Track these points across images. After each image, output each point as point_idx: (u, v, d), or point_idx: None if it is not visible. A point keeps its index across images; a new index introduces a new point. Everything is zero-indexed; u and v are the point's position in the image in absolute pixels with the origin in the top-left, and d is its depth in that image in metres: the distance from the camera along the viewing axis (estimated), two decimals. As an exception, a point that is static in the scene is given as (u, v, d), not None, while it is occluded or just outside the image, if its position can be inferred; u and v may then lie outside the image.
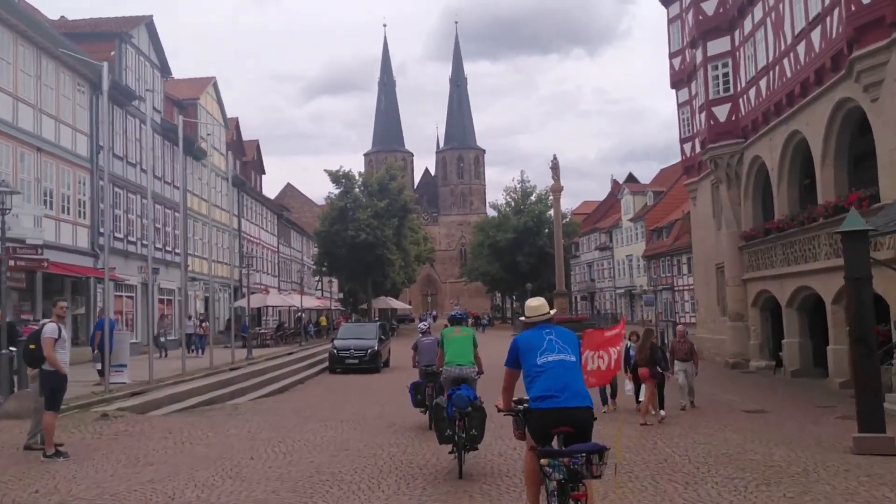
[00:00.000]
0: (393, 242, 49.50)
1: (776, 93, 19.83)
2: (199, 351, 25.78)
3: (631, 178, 72.84)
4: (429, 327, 14.02)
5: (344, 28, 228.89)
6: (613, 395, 13.70)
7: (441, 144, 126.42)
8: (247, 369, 20.98)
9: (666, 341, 14.06)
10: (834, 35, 16.18)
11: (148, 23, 28.96)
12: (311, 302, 49.67)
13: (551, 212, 55.16)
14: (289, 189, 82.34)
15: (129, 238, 27.17)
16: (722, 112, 23.34)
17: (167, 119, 30.05)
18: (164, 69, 31.04)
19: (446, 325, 10.20)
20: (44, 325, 8.88)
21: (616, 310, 67.73)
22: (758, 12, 21.02)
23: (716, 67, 23.42)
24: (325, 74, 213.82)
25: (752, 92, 21.81)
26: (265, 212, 50.20)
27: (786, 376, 19.90)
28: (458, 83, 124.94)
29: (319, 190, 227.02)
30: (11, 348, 12.44)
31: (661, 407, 12.97)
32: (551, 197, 52.59)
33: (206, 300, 28.52)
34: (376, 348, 24.70)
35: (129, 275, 26.03)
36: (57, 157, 22.00)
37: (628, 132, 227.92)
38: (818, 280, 17.90)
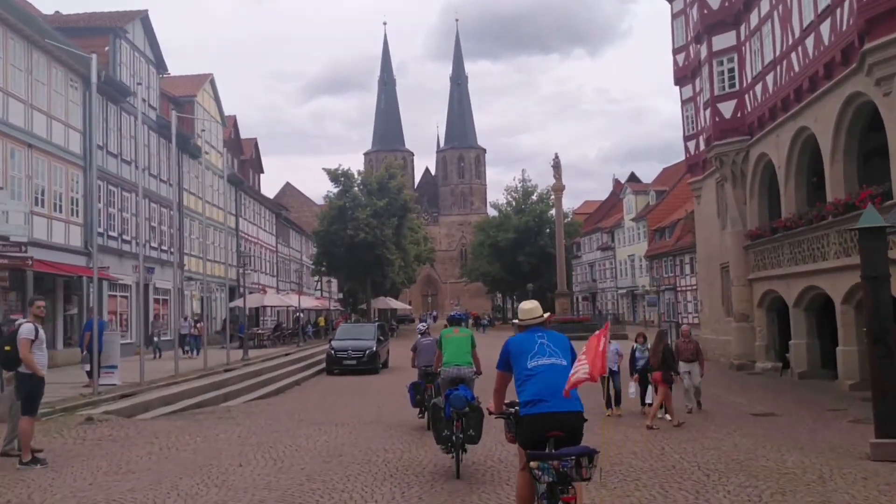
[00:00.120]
0: (392, 242, 49.04)
1: (783, 88, 19.38)
2: (194, 352, 25.35)
3: (633, 178, 72.44)
4: (428, 328, 14.12)
5: (344, 26, 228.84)
6: (618, 402, 13.22)
7: (441, 144, 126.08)
8: (242, 370, 20.56)
9: (670, 342, 13.52)
10: (844, 27, 15.73)
11: (143, 17, 28.55)
12: (309, 302, 49.24)
13: (552, 211, 54.77)
14: (288, 188, 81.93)
15: (124, 237, 26.75)
16: (727, 108, 22.88)
17: (163, 116, 29.63)
18: (160, 65, 30.63)
19: (445, 326, 10.19)
20: (20, 325, 8.43)
21: (618, 310, 67.35)
22: (764, 5, 20.57)
23: (721, 63, 22.96)
24: (325, 73, 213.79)
25: (758, 88, 21.36)
26: (263, 211, 49.80)
27: (793, 378, 19.45)
28: (459, 81, 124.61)
29: (319, 189, 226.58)
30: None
31: (668, 411, 12.55)
32: (553, 196, 52.15)
33: (203, 300, 28.14)
34: (375, 349, 24.27)
35: (123, 274, 25.61)
36: (49, 153, 21.59)
37: (629, 132, 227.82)
38: (827, 280, 17.45)
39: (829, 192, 17.40)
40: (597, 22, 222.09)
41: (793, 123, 19.20)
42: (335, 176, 49.42)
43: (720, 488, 7.55)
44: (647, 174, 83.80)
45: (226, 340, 24.16)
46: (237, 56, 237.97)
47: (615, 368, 13.25)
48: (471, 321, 54.84)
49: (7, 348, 8.24)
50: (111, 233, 25.98)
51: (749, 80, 22.01)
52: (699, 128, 27.16)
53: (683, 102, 29.01)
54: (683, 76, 28.61)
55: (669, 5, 29.32)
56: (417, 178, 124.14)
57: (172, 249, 30.62)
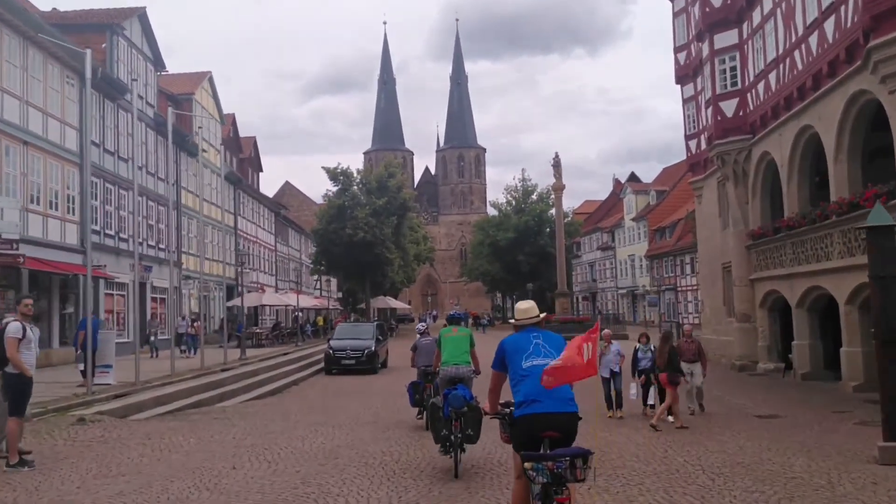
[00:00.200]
0: (392, 241, 48.82)
1: (786, 86, 19.17)
2: (192, 351, 25.14)
3: (633, 178, 72.26)
4: (427, 328, 14.08)
5: (344, 25, 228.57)
6: (619, 404, 12.99)
7: (441, 143, 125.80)
8: (239, 370, 20.34)
9: (675, 343, 13.27)
10: (849, 24, 15.52)
11: (141, 14, 28.35)
12: (308, 301, 49.05)
13: (553, 211, 54.50)
14: (287, 187, 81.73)
15: (121, 235, 26.53)
16: (729, 107, 22.68)
17: (161, 114, 29.40)
18: (158, 63, 30.42)
19: (445, 325, 10.17)
20: (7, 323, 8.21)
21: (618, 310, 67.15)
22: (767, 3, 20.36)
23: (723, 61, 22.74)
24: (325, 72, 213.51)
25: (760, 86, 21.16)
26: (262, 210, 49.59)
27: (796, 379, 19.25)
28: (459, 81, 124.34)
29: (319, 189, 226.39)
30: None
31: (669, 410, 12.35)
32: (553, 195, 51.88)
33: (201, 299, 27.94)
34: (373, 349, 24.06)
35: (120, 272, 25.39)
36: (44, 151, 21.38)
37: (629, 132, 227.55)
38: (831, 280, 17.25)
39: (833, 191, 17.19)
40: (597, 22, 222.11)
41: (796, 122, 19.00)
42: (334, 174, 49.19)
43: (726, 493, 7.36)
44: (647, 175, 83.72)
45: (223, 340, 23.96)
46: (237, 55, 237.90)
47: (616, 370, 13.03)
48: (470, 321, 54.64)
49: (-6, 348, 8.02)
50: (108, 231, 25.78)
51: (751, 78, 21.80)
52: (700, 127, 26.96)
53: (685, 101, 28.80)
54: (685, 75, 28.41)
55: (671, 3, 29.12)
56: (417, 177, 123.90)
57: (171, 248, 30.41)
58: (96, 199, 24.84)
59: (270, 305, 45.57)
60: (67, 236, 22.56)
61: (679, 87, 29.14)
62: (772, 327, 22.00)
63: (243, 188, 43.86)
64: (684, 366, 13.28)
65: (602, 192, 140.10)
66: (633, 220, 62.52)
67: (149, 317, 27.98)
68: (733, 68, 22.54)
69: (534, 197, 63.90)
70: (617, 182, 77.21)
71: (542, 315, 5.30)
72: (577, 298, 74.42)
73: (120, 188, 26.34)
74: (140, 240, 28.17)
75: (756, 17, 21.20)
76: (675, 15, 28.79)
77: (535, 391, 4.74)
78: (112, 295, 26.09)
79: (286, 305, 44.51)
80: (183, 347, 26.00)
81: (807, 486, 7.61)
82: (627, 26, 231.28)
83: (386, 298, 58.70)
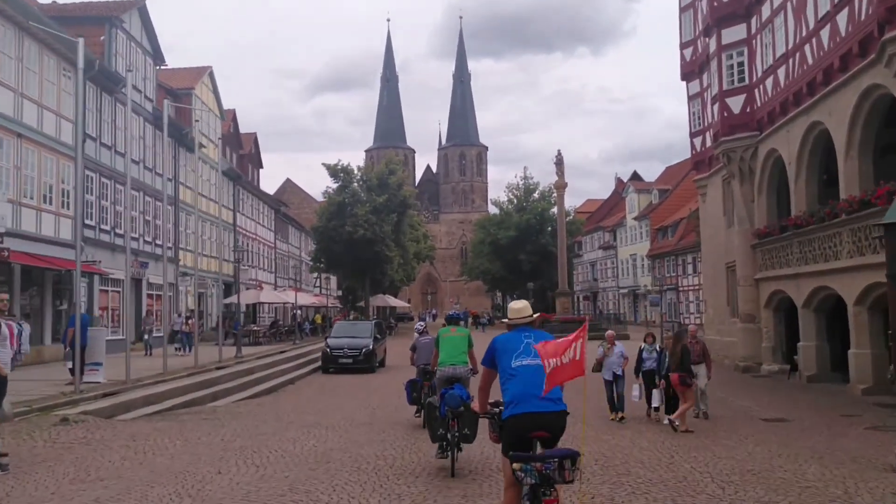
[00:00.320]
0: (391, 239, 48.39)
1: (796, 82, 18.75)
2: (187, 349, 24.75)
3: (636, 176, 71.82)
4: (425, 327, 14.10)
5: (347, 23, 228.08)
6: (621, 407, 12.56)
7: (443, 141, 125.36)
8: (234, 368, 19.97)
9: (684, 342, 12.77)
10: (863, 17, 15.10)
11: (140, 7, 27.97)
12: (308, 299, 48.66)
13: (554, 209, 54.07)
14: (288, 185, 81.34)
15: (117, 230, 26.12)
16: (736, 103, 22.25)
17: (159, 108, 28.98)
18: (158, 57, 30.03)
19: (444, 325, 10.18)
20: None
21: (619, 310, 66.73)
22: (776, -3, 19.95)
23: (730, 56, 22.30)
24: (328, 70, 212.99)
25: (768, 82, 20.73)
26: (262, 206, 49.20)
27: (801, 381, 18.82)
28: (462, 79, 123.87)
29: (320, 187, 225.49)
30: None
31: (672, 413, 11.95)
32: (555, 194, 51.45)
33: (197, 296, 27.57)
34: (371, 347, 23.67)
35: (115, 268, 24.99)
36: (39, 143, 21.00)
37: (631, 132, 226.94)
38: (839, 280, 16.84)
39: (843, 188, 16.76)
40: (600, 21, 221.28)
41: (805, 118, 18.58)
42: (334, 171, 48.76)
43: (738, 503, 6.96)
44: (649, 175, 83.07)
45: (219, 337, 23.58)
46: (241, 53, 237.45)
47: (619, 372, 12.60)
48: (470, 320, 54.30)
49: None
50: (104, 226, 25.40)
51: (759, 73, 21.37)
52: (706, 124, 26.54)
53: (690, 98, 28.37)
54: (690, 71, 27.98)
55: (677, -1, 28.69)
56: (419, 175, 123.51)
57: (168, 244, 30.01)
58: (92, 194, 24.47)
59: (269, 303, 45.17)
60: (62, 231, 22.18)
61: (685, 83, 28.70)
62: (777, 328, 21.59)
63: (243, 184, 43.48)
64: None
65: (603, 192, 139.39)
66: (635, 219, 62.10)
67: (144, 314, 27.60)
68: (741, 64, 22.11)
69: (535, 195, 63.37)
70: (619, 181, 76.76)
71: (535, 315, 5.29)
72: (578, 298, 74.01)
73: (116, 183, 25.93)
74: (136, 235, 27.81)
75: (765, 11, 20.77)
76: (682, 10, 28.36)
77: (523, 391, 4.71)
78: (107, 291, 25.71)
79: (284, 303, 44.14)
80: (177, 345, 25.62)
81: (822, 496, 7.22)
82: (631, 25, 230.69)
83: (385, 297, 58.30)
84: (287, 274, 53.08)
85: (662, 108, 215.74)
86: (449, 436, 8.07)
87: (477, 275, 73.63)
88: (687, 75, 28.34)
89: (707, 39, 24.35)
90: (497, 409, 5.25)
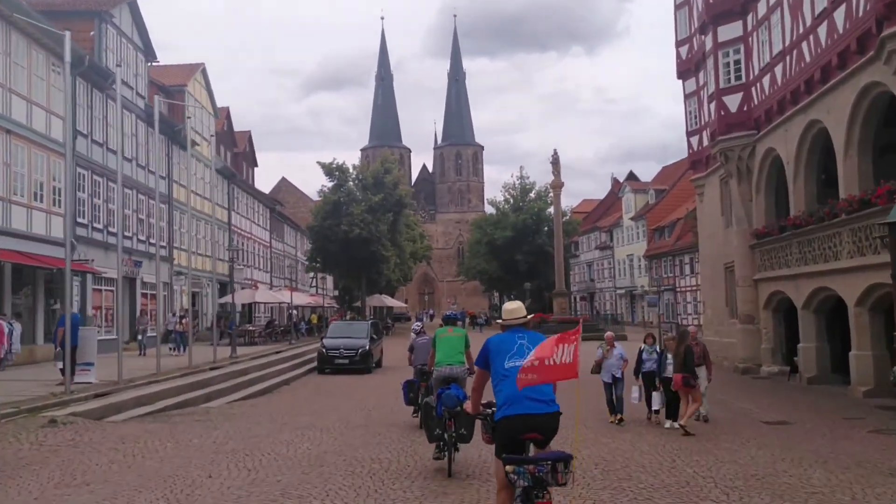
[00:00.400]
0: (387, 238, 48.15)
1: (793, 79, 18.59)
2: (181, 349, 24.49)
3: (632, 176, 71.67)
4: (422, 327, 13.95)
5: (341, 22, 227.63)
6: (619, 409, 12.35)
7: (439, 141, 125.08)
8: (228, 369, 19.72)
9: (687, 342, 12.53)
10: (861, 14, 14.94)
11: (131, 2, 27.66)
12: (304, 299, 48.37)
13: (551, 209, 53.91)
14: (283, 184, 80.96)
15: (110, 229, 25.83)
16: (733, 102, 22.09)
17: (151, 105, 28.69)
18: (149, 53, 29.72)
19: (440, 325, 10.21)
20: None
21: (616, 311, 66.58)
22: (774, -6, 19.79)
23: (727, 54, 22.15)
24: (323, 69, 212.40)
25: (765, 80, 20.57)
26: (257, 205, 48.91)
27: (801, 383, 18.67)
28: (457, 78, 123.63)
29: (316, 186, 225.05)
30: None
31: (675, 418, 11.77)
32: (551, 193, 51.29)
33: (191, 295, 27.26)
34: (367, 348, 23.44)
35: (108, 267, 24.70)
36: (29, 140, 20.72)
37: (627, 132, 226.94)
38: (839, 280, 16.68)
39: (842, 188, 16.60)
40: (595, 21, 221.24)
41: (803, 116, 18.43)
42: (329, 170, 48.49)
43: (742, 509, 6.79)
44: (645, 175, 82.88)
45: (213, 337, 23.34)
46: (235, 52, 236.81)
47: (618, 375, 12.39)
48: (467, 320, 54.08)
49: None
50: (96, 224, 25.12)
51: (756, 71, 21.22)
52: (703, 123, 26.39)
53: (686, 97, 28.21)
54: (686, 69, 27.82)
55: (672, -3, 28.52)
56: (414, 175, 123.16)
57: (162, 243, 29.72)
58: (84, 192, 24.20)
59: (265, 303, 44.88)
60: (53, 229, 21.89)
61: (681, 82, 28.55)
62: (776, 329, 21.44)
63: (237, 183, 43.19)
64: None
65: (599, 192, 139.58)
66: (631, 219, 61.95)
67: (139, 313, 27.32)
68: (737, 62, 21.95)
69: (532, 195, 63.16)
70: (615, 181, 76.61)
71: (529, 316, 5.27)
72: (575, 298, 73.85)
73: (109, 180, 25.64)
74: (129, 234, 27.53)
75: (761, 8, 20.61)
76: (677, 7, 28.19)
77: (516, 392, 4.67)
78: (100, 290, 25.44)
79: (280, 303, 43.87)
80: (171, 345, 25.35)
81: (830, 503, 7.03)
82: (625, 25, 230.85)
83: (382, 297, 58.03)
84: (283, 273, 52.82)
85: (657, 109, 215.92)
86: (446, 436, 8.08)
87: (474, 275, 73.42)
88: (683, 73, 28.18)
89: (703, 37, 24.19)
90: (490, 411, 5.26)
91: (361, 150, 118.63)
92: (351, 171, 49.84)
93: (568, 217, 60.66)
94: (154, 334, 25.22)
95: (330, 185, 48.56)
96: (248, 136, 49.84)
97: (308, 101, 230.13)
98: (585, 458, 9.13)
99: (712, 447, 10.07)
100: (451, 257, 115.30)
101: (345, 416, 13.24)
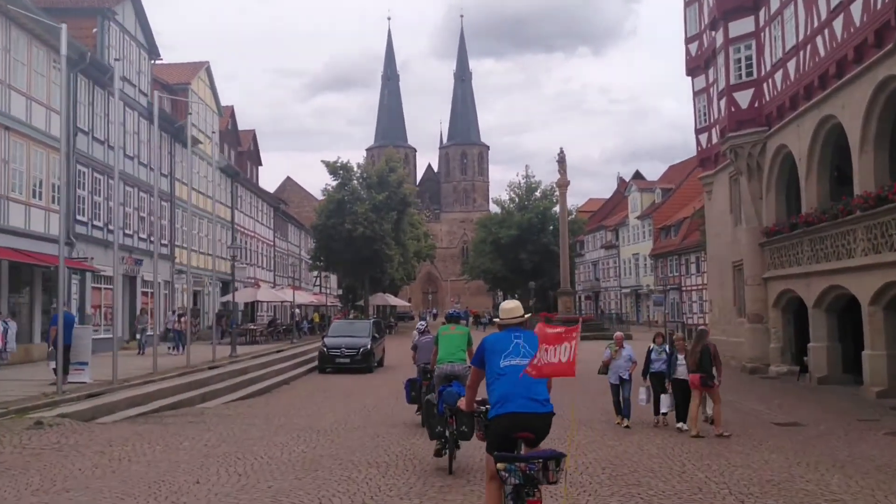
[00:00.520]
0: (391, 237, 47.77)
1: (807, 74, 18.14)
2: (180, 348, 24.18)
3: (638, 175, 71.13)
4: (426, 327, 13.99)
5: (348, 22, 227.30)
6: (627, 413, 11.92)
7: (444, 140, 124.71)
8: (227, 368, 19.39)
9: (705, 342, 12.11)
10: (879, 6, 14.50)
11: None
12: (307, 298, 48.08)
13: (556, 208, 53.45)
14: (288, 183, 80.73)
15: (110, 227, 25.51)
16: (744, 98, 21.64)
17: (154, 103, 28.40)
18: (153, 50, 29.43)
19: (443, 323, 10.28)
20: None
21: (622, 310, 66.11)
22: (786, -12, 19.35)
23: (738, 50, 21.71)
24: (329, 70, 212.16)
25: (777, 75, 20.13)
26: (261, 204, 48.63)
27: (811, 383, 18.23)
28: (463, 78, 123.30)
29: (321, 185, 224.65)
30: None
31: (683, 419, 11.36)
32: (556, 192, 50.84)
33: (193, 294, 27.02)
34: (369, 347, 23.08)
35: (108, 265, 24.38)
36: (28, 137, 20.44)
37: (633, 132, 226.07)
38: (853, 279, 16.24)
39: (858, 184, 16.15)
40: (601, 22, 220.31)
41: (816, 112, 17.98)
42: (334, 168, 48.15)
43: (759, 519, 6.40)
44: (651, 175, 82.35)
45: (213, 336, 23.01)
46: (242, 52, 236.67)
47: (626, 377, 11.97)
48: (471, 319, 53.75)
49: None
50: (96, 222, 24.85)
51: (768, 67, 20.78)
52: (712, 120, 25.92)
53: (695, 94, 27.75)
54: (696, 66, 27.35)
55: (681, -7, 28.07)
56: (420, 174, 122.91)
57: (163, 241, 29.45)
58: (84, 189, 23.92)
59: (267, 301, 44.57)
60: (51, 227, 21.60)
61: (690, 78, 28.09)
62: (785, 328, 21.00)
63: (241, 182, 42.89)
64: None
65: (605, 192, 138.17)
66: (637, 218, 61.47)
67: (139, 311, 27.03)
68: (748, 57, 21.51)
69: (537, 194, 62.66)
70: (621, 180, 76.08)
71: (526, 315, 5.30)
72: (580, 297, 73.38)
73: (109, 178, 25.27)
74: (130, 232, 27.26)
75: (774, 3, 20.17)
76: (687, 4, 27.73)
77: (509, 391, 4.71)
78: (100, 289, 25.16)
79: (283, 301, 43.55)
80: (170, 344, 25.06)
81: (851, 511, 6.64)
82: (632, 26, 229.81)
83: (385, 296, 57.68)
84: (286, 272, 52.52)
85: (663, 109, 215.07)
86: (447, 433, 8.10)
87: (478, 274, 72.96)
88: (692, 70, 27.72)
89: (713, 33, 23.74)
90: (483, 408, 5.32)
91: (367, 149, 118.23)
92: (355, 169, 49.51)
93: (573, 216, 60.15)
94: (152, 333, 24.93)
95: (334, 183, 48.23)
96: (252, 135, 49.53)
97: (314, 101, 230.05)
98: (592, 462, 8.76)
99: (723, 450, 9.67)
100: (455, 256, 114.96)
101: (343, 417, 12.89)
